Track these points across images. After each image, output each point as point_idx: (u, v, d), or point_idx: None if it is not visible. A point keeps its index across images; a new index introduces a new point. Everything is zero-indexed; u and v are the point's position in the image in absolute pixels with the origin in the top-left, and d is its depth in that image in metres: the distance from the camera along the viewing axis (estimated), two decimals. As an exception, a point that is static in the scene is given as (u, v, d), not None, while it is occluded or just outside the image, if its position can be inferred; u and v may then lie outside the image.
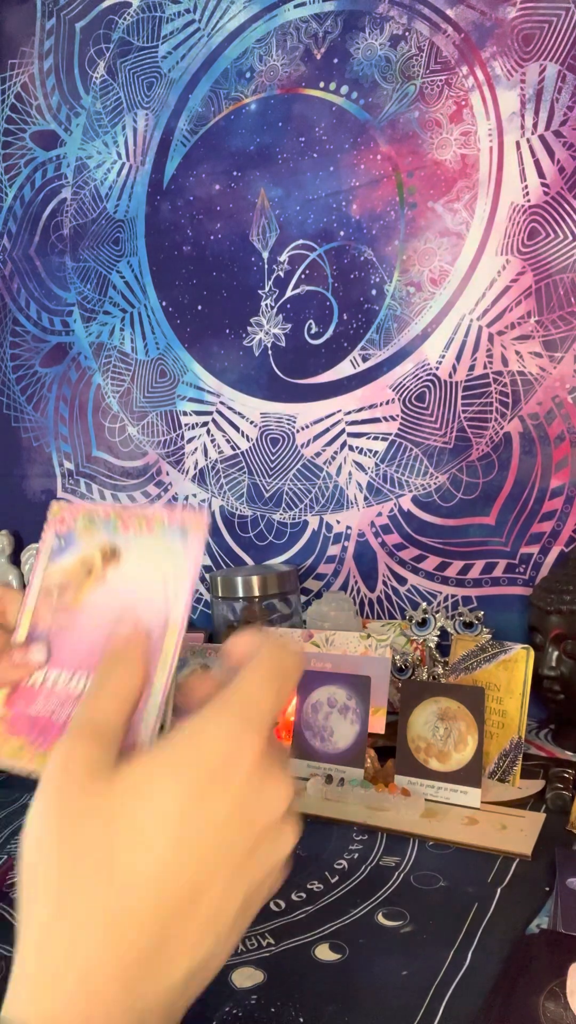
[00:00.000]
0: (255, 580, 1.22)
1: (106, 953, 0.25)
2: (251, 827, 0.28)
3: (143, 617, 0.41)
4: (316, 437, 1.30)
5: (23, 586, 1.62)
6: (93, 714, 0.34)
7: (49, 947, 0.25)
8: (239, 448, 1.37)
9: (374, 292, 1.23)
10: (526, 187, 1.11)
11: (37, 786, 0.31)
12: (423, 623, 1.14)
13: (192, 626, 1.41)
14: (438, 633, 1.12)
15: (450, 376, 1.18)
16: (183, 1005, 0.27)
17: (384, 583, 1.26)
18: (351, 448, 1.27)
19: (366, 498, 1.26)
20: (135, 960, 0.25)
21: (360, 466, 1.26)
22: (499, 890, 0.69)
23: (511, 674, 0.92)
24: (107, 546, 0.44)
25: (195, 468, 1.41)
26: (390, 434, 1.24)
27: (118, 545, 0.44)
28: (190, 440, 1.41)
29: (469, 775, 0.85)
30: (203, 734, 0.30)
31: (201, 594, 1.42)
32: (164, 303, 1.42)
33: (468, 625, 1.10)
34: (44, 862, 0.27)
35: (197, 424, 1.41)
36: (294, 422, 1.32)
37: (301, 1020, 0.54)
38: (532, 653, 0.92)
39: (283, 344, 1.31)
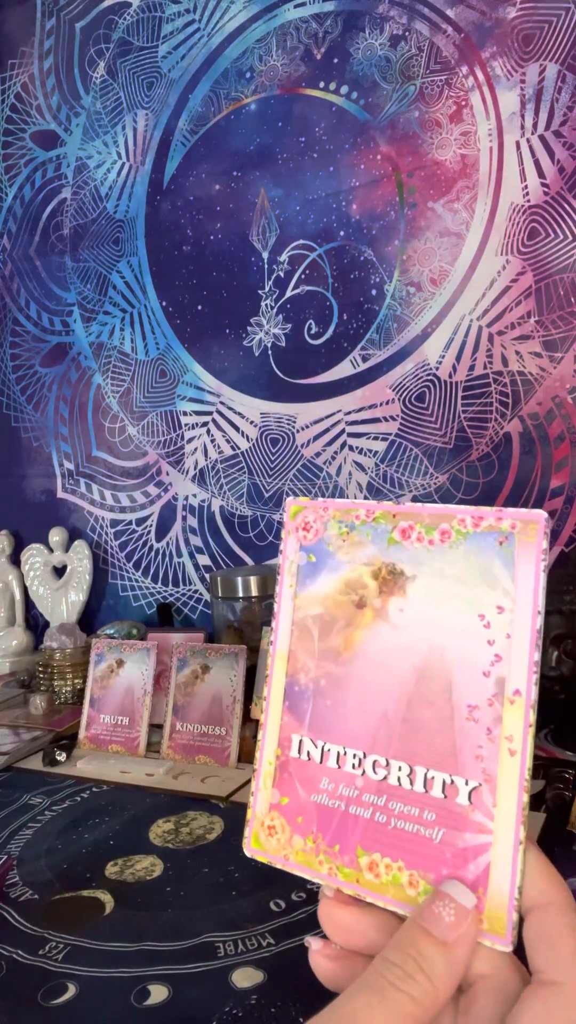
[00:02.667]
0: (255, 580, 1.22)
1: None
2: None
3: (460, 681, 0.28)
4: (316, 437, 1.30)
5: (23, 588, 1.62)
6: None
7: None
8: (239, 448, 1.37)
9: (374, 292, 1.23)
10: (526, 187, 1.11)
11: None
12: (423, 623, 1.14)
13: (192, 626, 1.41)
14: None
15: (450, 376, 1.18)
16: None
17: (384, 583, 1.26)
18: (351, 448, 1.27)
19: (366, 498, 1.26)
20: None
21: (360, 466, 1.26)
22: (499, 890, 0.69)
23: (511, 674, 0.92)
24: (382, 565, 0.31)
25: (195, 468, 1.41)
26: (390, 434, 1.24)
27: (399, 563, 0.30)
28: (190, 440, 1.41)
29: (469, 775, 0.85)
30: None
31: (201, 594, 1.42)
32: (164, 303, 1.42)
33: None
34: None
35: (197, 424, 1.41)
36: (294, 422, 1.32)
37: (301, 1020, 0.54)
38: (532, 653, 0.92)
39: (283, 344, 1.31)
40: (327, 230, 1.26)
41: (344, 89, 1.23)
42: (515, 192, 1.12)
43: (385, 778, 0.30)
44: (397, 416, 1.23)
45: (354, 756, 0.30)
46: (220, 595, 1.25)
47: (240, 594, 1.22)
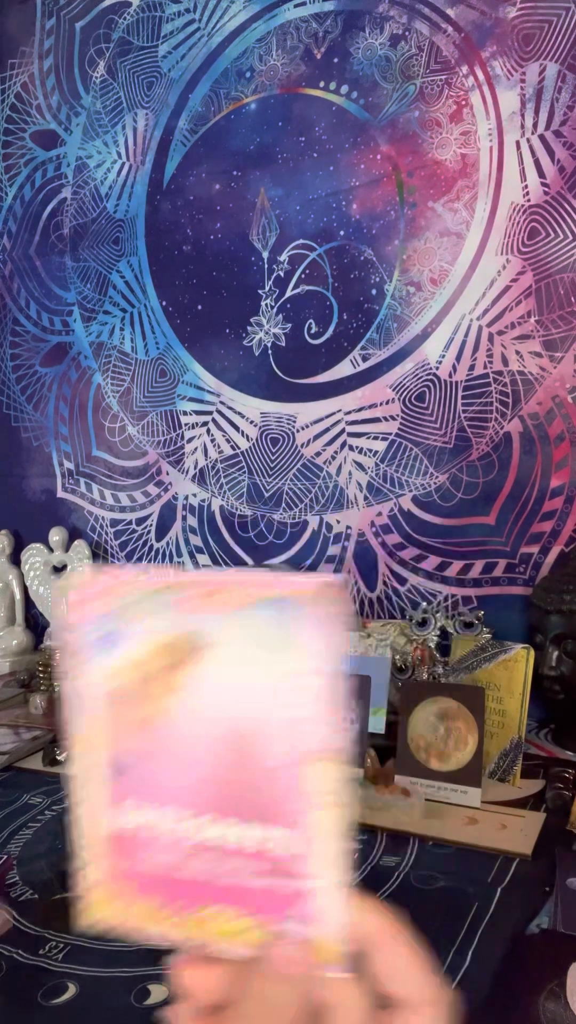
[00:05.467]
0: (255, 580, 1.22)
1: None
2: None
3: (273, 741, 0.29)
4: (316, 437, 1.30)
5: (24, 587, 1.61)
6: None
7: None
8: (239, 448, 1.37)
9: (374, 292, 1.23)
10: (526, 187, 1.11)
11: None
12: (423, 623, 1.14)
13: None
14: (438, 633, 1.12)
15: (450, 376, 1.18)
16: None
17: (384, 583, 1.26)
18: (351, 448, 1.27)
19: (366, 498, 1.26)
20: None
21: (360, 466, 1.26)
22: (499, 890, 0.69)
23: (511, 674, 0.92)
24: (182, 634, 0.31)
25: (195, 468, 1.41)
26: (390, 434, 1.24)
27: (201, 631, 0.30)
28: (190, 440, 1.41)
29: (469, 775, 0.85)
30: None
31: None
32: (164, 303, 1.42)
33: (468, 625, 1.10)
34: None
35: (197, 424, 1.41)
36: (294, 422, 1.32)
37: (301, 1020, 0.54)
38: (532, 653, 0.92)
39: (283, 344, 1.31)
40: (327, 230, 1.26)
41: (344, 89, 1.23)
42: (515, 192, 1.12)
43: (216, 835, 0.31)
44: (397, 416, 1.23)
45: (183, 817, 0.31)
46: (220, 595, 1.24)
47: (240, 594, 1.22)
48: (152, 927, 0.32)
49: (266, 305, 1.32)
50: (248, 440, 1.36)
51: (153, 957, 0.62)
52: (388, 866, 0.74)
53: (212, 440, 1.39)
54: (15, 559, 1.57)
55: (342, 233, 1.25)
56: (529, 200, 1.11)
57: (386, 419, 1.24)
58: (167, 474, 1.44)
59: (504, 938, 0.62)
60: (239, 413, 1.36)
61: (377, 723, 0.96)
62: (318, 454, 1.30)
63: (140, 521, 1.48)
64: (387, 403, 1.23)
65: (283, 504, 1.34)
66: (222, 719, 0.30)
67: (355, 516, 1.28)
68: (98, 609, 0.31)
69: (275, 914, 0.30)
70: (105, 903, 0.32)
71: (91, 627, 0.31)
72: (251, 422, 1.35)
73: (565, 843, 0.77)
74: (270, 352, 1.32)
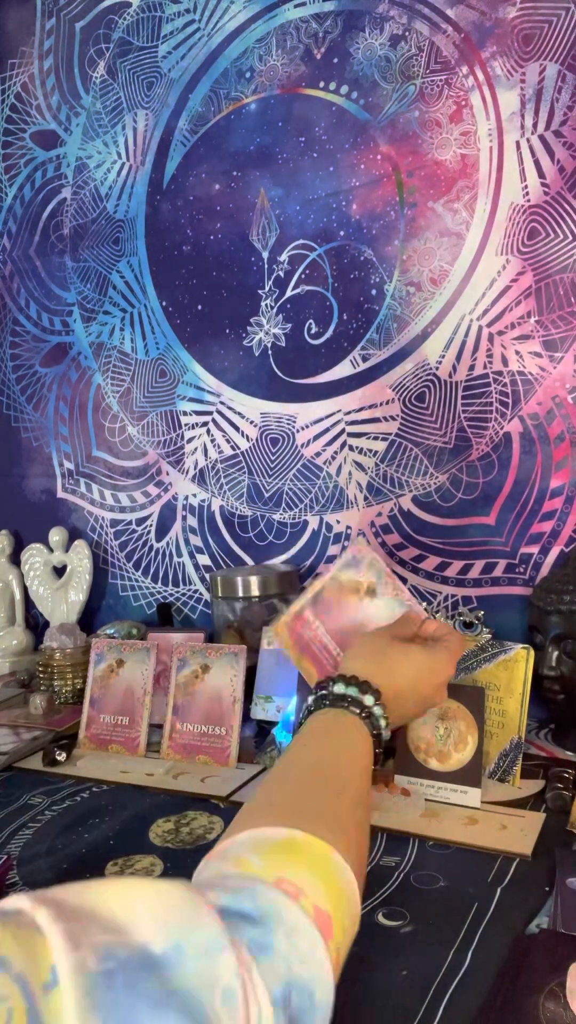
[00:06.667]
0: (255, 580, 1.22)
1: (406, 678, 0.71)
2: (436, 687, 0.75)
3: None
4: (316, 437, 1.30)
5: (23, 588, 1.61)
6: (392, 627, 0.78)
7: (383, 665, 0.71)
8: (239, 448, 1.37)
9: (374, 292, 1.23)
10: (526, 187, 1.11)
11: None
12: (423, 623, 1.13)
13: (192, 626, 1.42)
14: (438, 633, 1.12)
15: (450, 376, 1.18)
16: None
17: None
18: (351, 448, 1.27)
19: (366, 498, 1.26)
20: (411, 686, 0.72)
21: (360, 466, 1.26)
22: (499, 890, 0.69)
23: (511, 674, 0.92)
24: (373, 584, 0.83)
25: (195, 468, 1.41)
26: (390, 434, 1.24)
27: (378, 590, 0.83)
28: (190, 440, 1.41)
29: (469, 775, 0.85)
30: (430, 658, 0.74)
31: (201, 594, 1.42)
32: (164, 303, 1.42)
33: (468, 625, 1.10)
34: (377, 656, 0.72)
35: (197, 424, 1.41)
36: (294, 422, 1.32)
37: (301, 1020, 0.54)
38: (532, 653, 0.92)
39: (283, 344, 1.31)
40: (327, 230, 1.26)
41: (344, 89, 1.23)
42: (515, 192, 1.12)
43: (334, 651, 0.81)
44: (397, 416, 1.23)
45: (330, 636, 0.82)
46: (220, 595, 1.25)
47: (240, 594, 1.22)
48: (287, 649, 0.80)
49: (266, 305, 1.32)
50: (248, 440, 1.36)
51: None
52: (388, 866, 0.74)
53: (212, 440, 1.39)
54: (15, 559, 1.57)
55: (342, 233, 1.25)
56: (529, 200, 1.11)
57: (386, 419, 1.24)
58: (167, 474, 1.44)
59: (504, 938, 0.62)
60: (239, 413, 1.36)
61: (377, 723, 0.96)
62: (318, 454, 1.30)
63: (140, 521, 1.48)
64: (387, 403, 1.24)
65: (283, 504, 1.34)
66: (363, 620, 0.81)
67: (355, 516, 1.28)
68: (359, 554, 0.84)
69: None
70: (286, 632, 0.80)
71: (352, 558, 0.84)
72: (251, 422, 1.35)
73: (565, 843, 0.77)
74: (270, 352, 1.33)
